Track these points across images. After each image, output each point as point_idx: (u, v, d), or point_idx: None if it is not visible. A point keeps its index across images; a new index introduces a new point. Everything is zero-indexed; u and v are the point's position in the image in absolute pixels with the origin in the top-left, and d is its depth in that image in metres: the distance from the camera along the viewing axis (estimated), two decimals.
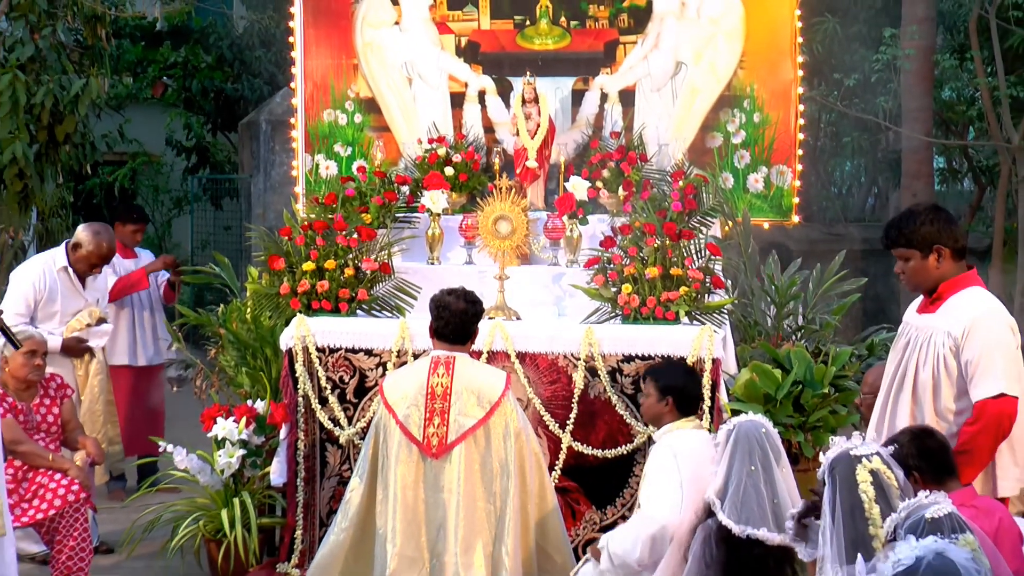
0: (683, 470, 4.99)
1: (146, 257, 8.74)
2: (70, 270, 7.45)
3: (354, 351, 6.55)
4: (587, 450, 6.25)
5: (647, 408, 5.51)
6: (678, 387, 5.34)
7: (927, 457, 4.37)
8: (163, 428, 8.31)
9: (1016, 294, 11.52)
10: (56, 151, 10.37)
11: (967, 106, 13.10)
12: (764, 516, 4.33)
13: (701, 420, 5.57)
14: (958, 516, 3.43)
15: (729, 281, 7.35)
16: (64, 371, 7.19)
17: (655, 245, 6.63)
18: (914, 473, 4.36)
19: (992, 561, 3.63)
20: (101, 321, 7.55)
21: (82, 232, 7.55)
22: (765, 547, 4.30)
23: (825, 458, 3.94)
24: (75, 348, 7.42)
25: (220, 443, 6.59)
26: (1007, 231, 11.93)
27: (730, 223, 7.80)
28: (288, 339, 6.57)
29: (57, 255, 7.54)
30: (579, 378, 6.34)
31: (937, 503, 3.45)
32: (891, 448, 4.41)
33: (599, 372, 6.33)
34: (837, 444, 3.96)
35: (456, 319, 5.48)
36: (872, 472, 3.74)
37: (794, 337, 7.36)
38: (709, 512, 4.55)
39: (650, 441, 5.80)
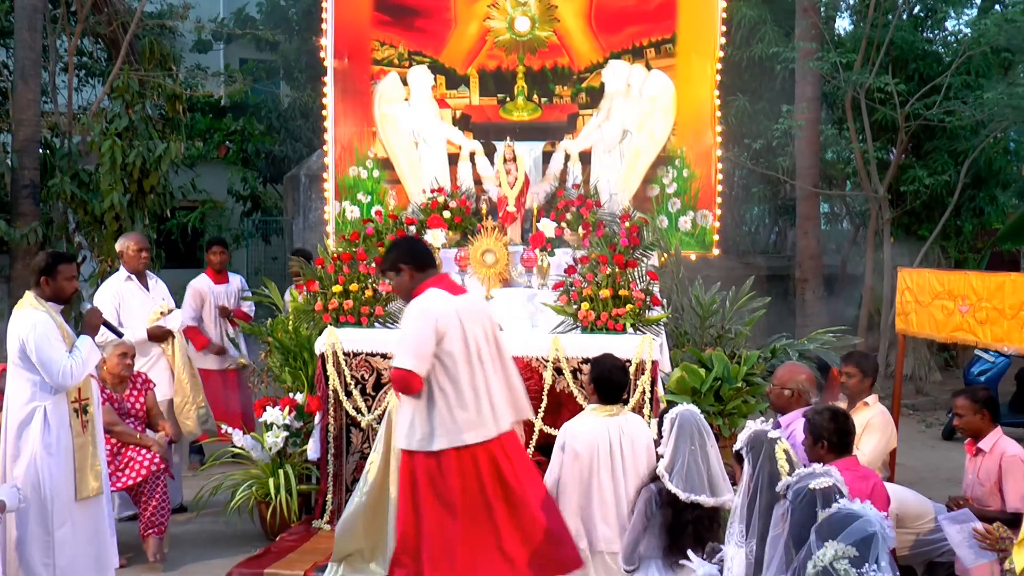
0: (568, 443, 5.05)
1: (236, 282, 8.67)
2: (132, 278, 7.43)
3: (372, 355, 6.51)
4: (554, 432, 6.18)
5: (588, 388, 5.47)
6: (602, 379, 5.23)
7: (839, 433, 4.38)
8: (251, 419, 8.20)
9: (884, 305, 11.54)
10: (144, 199, 10.36)
11: (845, 165, 13.19)
12: (702, 484, 4.30)
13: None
14: (837, 489, 3.34)
15: (665, 300, 7.32)
16: (151, 362, 7.32)
17: (607, 272, 6.61)
18: (823, 441, 4.36)
19: None
20: (170, 311, 7.51)
21: (117, 245, 7.66)
22: (702, 508, 4.27)
23: (743, 437, 3.87)
24: (158, 334, 7.40)
25: (268, 426, 6.59)
26: (876, 260, 11.95)
27: (665, 255, 7.78)
28: (321, 345, 6.53)
29: (118, 273, 7.58)
30: (548, 376, 6.32)
31: (823, 476, 3.37)
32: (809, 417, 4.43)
33: (564, 371, 6.30)
34: (750, 426, 3.91)
35: None
36: (784, 451, 3.70)
37: (715, 343, 7.34)
38: (652, 478, 4.51)
39: None
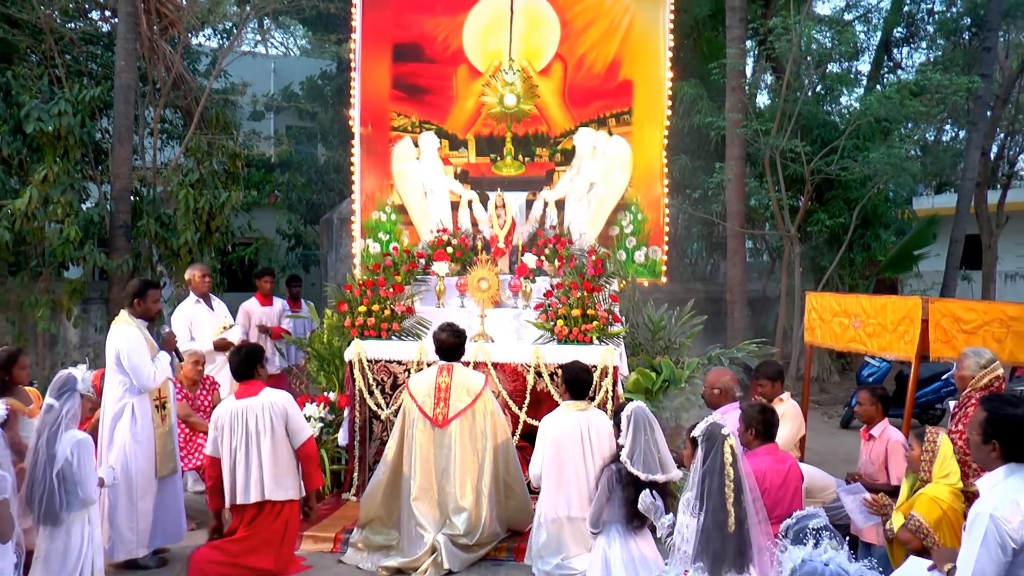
0: (547, 433, 4.97)
1: (279, 305, 8.69)
2: (200, 301, 7.38)
3: (390, 362, 6.50)
4: (535, 423, 6.18)
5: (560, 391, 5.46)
6: (572, 380, 5.18)
7: (765, 423, 4.39)
8: None
9: (795, 321, 11.56)
10: (211, 237, 10.34)
11: (764, 210, 13.24)
12: (656, 465, 4.28)
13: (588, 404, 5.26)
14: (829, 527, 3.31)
15: (623, 317, 7.33)
16: (217, 367, 7.20)
17: (578, 295, 6.62)
18: (752, 429, 4.36)
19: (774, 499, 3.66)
20: (231, 326, 7.46)
21: (185, 275, 7.62)
22: (656, 485, 4.25)
23: (700, 428, 3.79)
24: (222, 345, 7.35)
25: (307, 418, 6.52)
26: (789, 286, 11.99)
27: (624, 282, 7.80)
28: (349, 354, 6.52)
29: (188, 298, 7.51)
30: (531, 378, 6.32)
31: (816, 517, 3.37)
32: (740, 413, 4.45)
33: (543, 375, 6.30)
34: (709, 419, 3.86)
35: (449, 347, 5.46)
36: (731, 447, 3.66)
37: (663, 352, 7.35)
38: (612, 460, 4.49)
39: None
